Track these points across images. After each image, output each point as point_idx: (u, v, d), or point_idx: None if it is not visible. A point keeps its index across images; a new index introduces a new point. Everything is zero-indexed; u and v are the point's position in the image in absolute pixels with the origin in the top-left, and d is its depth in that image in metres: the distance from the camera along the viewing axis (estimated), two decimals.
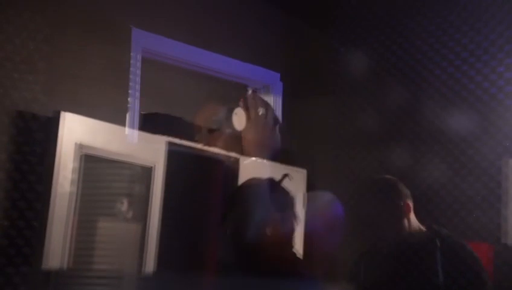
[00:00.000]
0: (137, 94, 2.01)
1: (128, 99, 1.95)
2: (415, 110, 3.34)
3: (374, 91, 3.38)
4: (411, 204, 2.75)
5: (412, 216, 2.75)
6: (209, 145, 1.96)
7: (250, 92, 2.05)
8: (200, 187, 1.80)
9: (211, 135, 1.96)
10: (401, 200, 2.76)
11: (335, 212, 1.94)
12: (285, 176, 1.81)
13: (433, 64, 3.38)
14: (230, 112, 1.96)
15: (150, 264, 1.67)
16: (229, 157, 1.90)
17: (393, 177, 2.85)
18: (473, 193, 3.25)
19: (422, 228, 2.75)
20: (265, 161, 1.88)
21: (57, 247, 1.72)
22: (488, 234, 3.21)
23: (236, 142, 1.95)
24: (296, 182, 1.87)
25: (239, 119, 1.93)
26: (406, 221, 2.74)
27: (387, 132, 3.37)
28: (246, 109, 1.96)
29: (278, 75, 3.15)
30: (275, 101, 3.02)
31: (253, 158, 1.87)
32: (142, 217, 1.71)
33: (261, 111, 1.96)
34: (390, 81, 3.33)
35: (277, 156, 1.93)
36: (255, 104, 1.97)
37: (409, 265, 2.65)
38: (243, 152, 1.93)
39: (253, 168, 1.86)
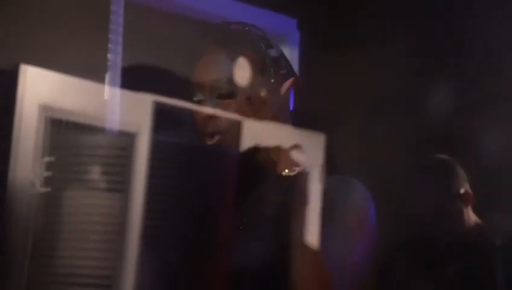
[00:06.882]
0: (119, 41, 1.75)
1: (109, 46, 1.71)
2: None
3: (415, 41, 3.00)
4: (471, 192, 2.47)
5: (470, 208, 2.48)
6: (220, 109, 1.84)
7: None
8: (199, 159, 1.50)
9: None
10: (461, 187, 2.49)
11: (367, 216, 1.74)
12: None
13: None
14: (231, 63, 1.74)
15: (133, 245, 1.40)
16: (229, 119, 1.74)
17: (450, 158, 2.58)
18: None
19: (479, 221, 2.47)
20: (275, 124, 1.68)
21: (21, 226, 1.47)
22: None
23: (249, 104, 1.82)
24: (311, 149, 1.60)
25: (242, 72, 1.66)
26: (465, 214, 2.47)
27: (432, 92, 3.00)
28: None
29: (294, 22, 2.88)
30: (290, 53, 2.76)
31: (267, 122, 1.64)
32: (123, 190, 1.44)
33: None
34: (435, 28, 2.95)
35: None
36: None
37: (462, 269, 2.36)
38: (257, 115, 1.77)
39: (260, 132, 1.62)
